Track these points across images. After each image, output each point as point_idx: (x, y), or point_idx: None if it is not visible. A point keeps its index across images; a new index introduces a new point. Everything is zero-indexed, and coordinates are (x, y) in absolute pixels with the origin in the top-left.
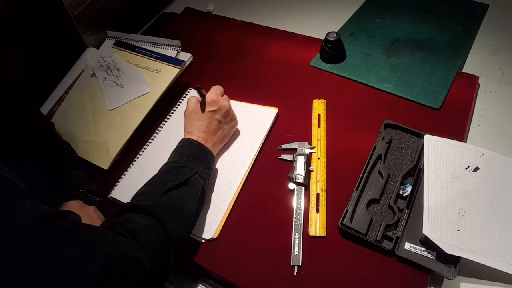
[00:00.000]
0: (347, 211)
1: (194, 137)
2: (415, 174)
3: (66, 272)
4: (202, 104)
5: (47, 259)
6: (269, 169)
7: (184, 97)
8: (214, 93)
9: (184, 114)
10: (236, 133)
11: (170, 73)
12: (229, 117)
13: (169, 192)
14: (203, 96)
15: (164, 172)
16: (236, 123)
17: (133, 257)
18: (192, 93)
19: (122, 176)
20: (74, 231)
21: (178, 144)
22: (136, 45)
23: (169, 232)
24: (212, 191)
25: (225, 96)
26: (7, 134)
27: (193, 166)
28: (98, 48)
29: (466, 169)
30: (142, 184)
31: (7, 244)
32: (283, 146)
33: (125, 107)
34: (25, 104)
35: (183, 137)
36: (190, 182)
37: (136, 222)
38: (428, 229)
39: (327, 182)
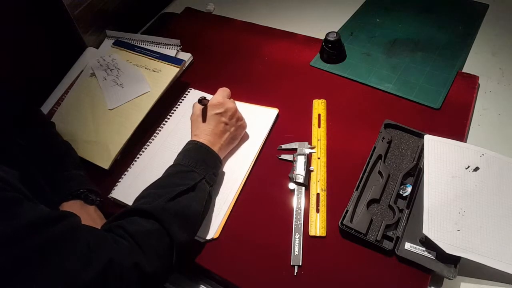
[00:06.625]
0: (347, 211)
1: (201, 139)
2: (415, 174)
3: (62, 278)
4: (204, 113)
5: (42, 265)
6: (269, 169)
7: (185, 97)
8: (221, 95)
9: (190, 119)
10: (243, 136)
11: (170, 72)
12: (234, 119)
13: (177, 198)
14: (204, 106)
15: (171, 175)
16: (244, 126)
17: (134, 261)
18: (193, 93)
19: (123, 176)
20: (72, 235)
21: (186, 146)
22: (136, 44)
23: (173, 237)
24: None
25: (231, 99)
26: (7, 134)
27: (201, 171)
28: (98, 48)
29: (466, 169)
30: (143, 184)
31: (4, 249)
32: (283, 146)
33: (125, 106)
34: (25, 104)
35: (190, 139)
36: (198, 187)
37: (139, 225)
38: (428, 229)
39: (327, 182)
